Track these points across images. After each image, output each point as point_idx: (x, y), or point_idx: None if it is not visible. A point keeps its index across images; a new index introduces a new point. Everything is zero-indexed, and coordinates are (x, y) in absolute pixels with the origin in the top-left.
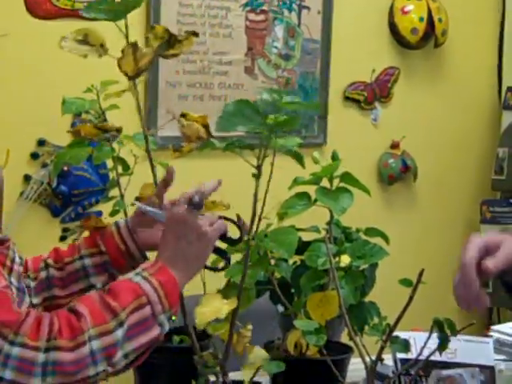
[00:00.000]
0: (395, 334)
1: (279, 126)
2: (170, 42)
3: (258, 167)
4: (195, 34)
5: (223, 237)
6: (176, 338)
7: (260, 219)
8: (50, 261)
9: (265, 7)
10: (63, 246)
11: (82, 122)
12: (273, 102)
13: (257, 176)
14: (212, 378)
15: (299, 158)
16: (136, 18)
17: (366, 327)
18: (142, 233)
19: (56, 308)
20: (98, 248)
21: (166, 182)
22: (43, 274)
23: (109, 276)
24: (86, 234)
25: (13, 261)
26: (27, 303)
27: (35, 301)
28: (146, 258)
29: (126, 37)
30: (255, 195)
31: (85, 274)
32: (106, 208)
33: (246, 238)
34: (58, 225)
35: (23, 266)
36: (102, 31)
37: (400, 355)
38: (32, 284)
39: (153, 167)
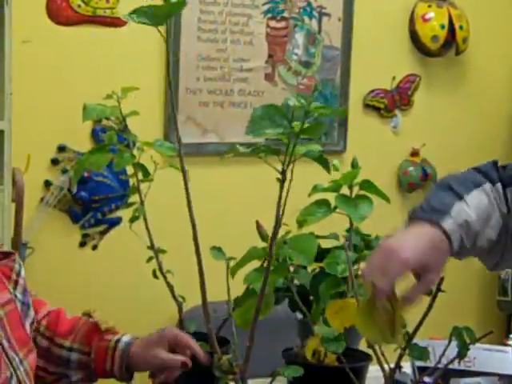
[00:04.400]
0: (414, 341)
1: (306, 132)
2: None
3: (283, 172)
4: None
5: None
6: None
7: (279, 225)
8: (43, 327)
9: (285, 14)
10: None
11: (102, 128)
12: (301, 108)
13: (281, 181)
14: None
15: (325, 164)
16: None
17: None
18: (135, 360)
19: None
20: (90, 350)
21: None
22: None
23: (87, 375)
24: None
25: (18, 274)
26: (31, 318)
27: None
28: (126, 380)
29: (166, 42)
30: (279, 200)
31: (66, 365)
32: (125, 214)
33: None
34: (77, 230)
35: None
36: (122, 38)
37: (418, 363)
38: None
39: (184, 173)
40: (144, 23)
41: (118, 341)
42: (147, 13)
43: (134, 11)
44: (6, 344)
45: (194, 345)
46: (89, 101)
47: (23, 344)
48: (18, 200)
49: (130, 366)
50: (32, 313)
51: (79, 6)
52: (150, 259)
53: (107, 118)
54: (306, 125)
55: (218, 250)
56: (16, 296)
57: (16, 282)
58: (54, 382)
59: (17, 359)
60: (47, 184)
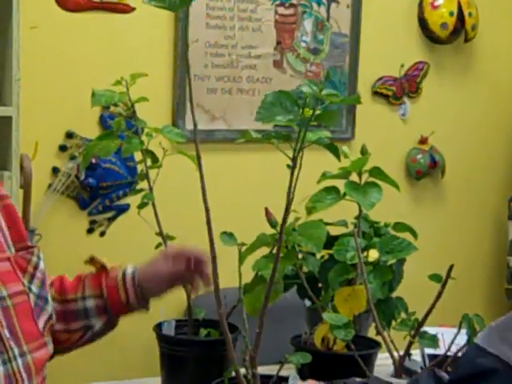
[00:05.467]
0: (423, 329)
1: (319, 119)
2: None
3: (294, 159)
4: None
5: None
6: (203, 331)
7: (289, 211)
8: (53, 292)
9: (294, 1)
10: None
11: (110, 114)
12: (312, 94)
13: (292, 167)
14: (242, 370)
15: (334, 150)
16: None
17: (394, 322)
18: (146, 284)
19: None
20: (101, 291)
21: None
22: None
23: (109, 319)
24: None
25: (36, 267)
26: (48, 313)
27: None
28: (145, 307)
29: (186, 28)
30: (289, 187)
31: (85, 315)
32: (133, 201)
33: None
34: (85, 217)
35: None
36: (130, 24)
37: (428, 351)
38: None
39: (199, 159)
40: (163, 8)
41: (124, 272)
42: None
43: None
44: (6, 334)
45: (196, 251)
46: (97, 87)
47: (32, 338)
48: (26, 186)
49: (143, 292)
50: (50, 308)
51: None
52: (158, 245)
53: (115, 105)
54: (318, 111)
55: (228, 236)
56: (31, 289)
57: (32, 276)
58: (79, 340)
59: (16, 351)
60: (55, 170)
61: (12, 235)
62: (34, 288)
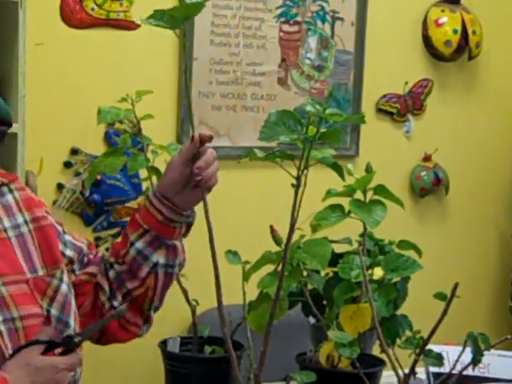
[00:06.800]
0: (428, 347)
1: (323, 138)
2: None
3: (298, 178)
4: None
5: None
6: (208, 348)
7: (293, 230)
8: (112, 259)
9: (298, 18)
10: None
11: (115, 131)
12: (316, 114)
13: (296, 186)
14: None
15: (338, 169)
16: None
17: (399, 340)
18: (170, 192)
19: (136, 302)
20: (142, 227)
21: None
22: (111, 274)
23: (166, 247)
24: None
25: (56, 291)
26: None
27: (115, 303)
28: (188, 216)
29: (184, 45)
30: (294, 206)
31: (143, 257)
32: None
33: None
34: (90, 233)
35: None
36: (135, 41)
37: (433, 369)
38: (106, 286)
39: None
40: (161, 27)
41: (147, 196)
42: (164, 16)
43: (151, 15)
44: (6, 356)
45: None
46: (102, 104)
47: None
48: None
49: (174, 202)
50: (72, 332)
51: (93, 9)
52: None
53: (120, 121)
54: (323, 130)
55: (233, 254)
56: (50, 312)
57: (52, 299)
58: (157, 283)
59: None
60: (60, 187)
61: (45, 258)
62: (54, 311)
